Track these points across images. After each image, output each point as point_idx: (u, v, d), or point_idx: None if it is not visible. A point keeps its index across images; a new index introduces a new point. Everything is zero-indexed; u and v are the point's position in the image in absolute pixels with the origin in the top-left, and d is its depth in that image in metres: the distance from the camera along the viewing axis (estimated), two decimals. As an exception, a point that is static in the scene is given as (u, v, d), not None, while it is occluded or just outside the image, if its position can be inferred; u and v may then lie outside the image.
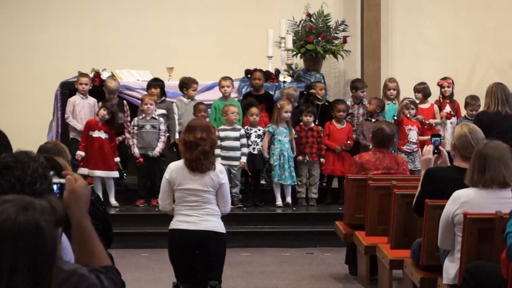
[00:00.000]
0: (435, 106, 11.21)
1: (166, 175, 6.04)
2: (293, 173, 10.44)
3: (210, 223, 5.93)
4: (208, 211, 5.95)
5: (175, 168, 6.02)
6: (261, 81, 11.11)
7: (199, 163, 5.88)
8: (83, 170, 10.11)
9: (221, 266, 6.02)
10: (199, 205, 5.94)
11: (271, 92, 11.26)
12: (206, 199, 5.94)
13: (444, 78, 11.37)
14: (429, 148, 6.13)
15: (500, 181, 5.22)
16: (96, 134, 10.26)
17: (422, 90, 11.21)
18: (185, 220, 5.94)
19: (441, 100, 11.28)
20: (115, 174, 10.35)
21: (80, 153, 10.22)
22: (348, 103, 11.30)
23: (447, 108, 11.19)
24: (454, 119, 11.09)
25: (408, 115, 10.71)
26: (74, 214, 2.56)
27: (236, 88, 11.31)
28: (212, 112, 10.78)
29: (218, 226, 5.97)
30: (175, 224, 6.03)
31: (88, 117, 10.72)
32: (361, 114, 11.21)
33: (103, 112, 10.26)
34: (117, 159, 10.37)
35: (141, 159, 10.38)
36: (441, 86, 11.33)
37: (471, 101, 10.90)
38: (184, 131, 6.05)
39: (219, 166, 6.14)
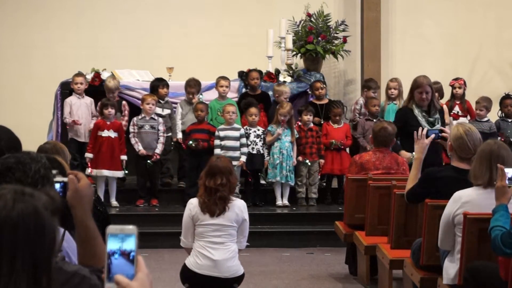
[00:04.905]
0: (445, 106, 11.16)
1: (188, 210, 5.91)
2: (290, 172, 10.41)
3: (234, 267, 5.86)
4: (232, 252, 5.83)
5: (197, 204, 5.89)
6: (259, 81, 11.11)
7: (214, 208, 5.80)
8: (88, 171, 10.12)
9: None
10: (223, 243, 5.82)
11: (271, 92, 11.25)
12: (229, 236, 5.85)
13: (456, 79, 11.34)
14: (424, 132, 6.30)
15: None
16: (105, 133, 10.22)
17: (436, 90, 11.14)
18: (208, 265, 5.81)
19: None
20: (120, 174, 10.34)
21: (88, 155, 10.21)
22: (361, 101, 11.28)
23: (456, 109, 11.16)
24: (462, 119, 11.04)
25: None
26: (77, 214, 2.54)
27: (236, 88, 11.30)
28: (209, 112, 10.76)
29: (241, 268, 5.92)
30: (195, 266, 5.84)
31: (85, 116, 10.75)
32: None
33: (109, 110, 10.24)
34: (124, 157, 10.30)
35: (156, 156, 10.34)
36: (452, 87, 11.31)
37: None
38: (206, 174, 5.88)
39: (241, 201, 6.04)
